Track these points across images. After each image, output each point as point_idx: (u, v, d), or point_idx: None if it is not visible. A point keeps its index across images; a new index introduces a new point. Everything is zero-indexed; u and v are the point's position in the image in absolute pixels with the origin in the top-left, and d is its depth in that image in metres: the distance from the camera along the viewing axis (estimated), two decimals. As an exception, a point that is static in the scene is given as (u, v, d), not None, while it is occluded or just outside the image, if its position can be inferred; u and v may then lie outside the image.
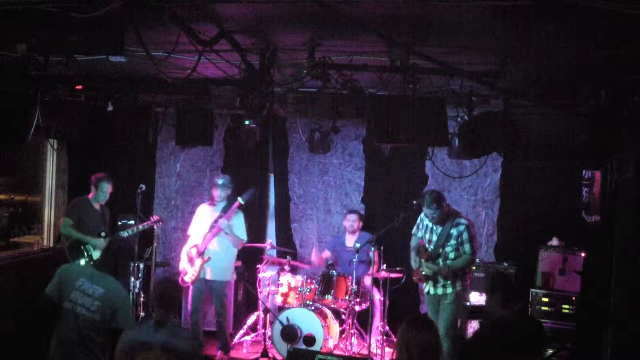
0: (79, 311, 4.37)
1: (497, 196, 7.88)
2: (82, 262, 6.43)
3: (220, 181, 6.81)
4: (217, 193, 6.78)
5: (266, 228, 8.36)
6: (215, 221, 6.71)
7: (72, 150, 8.22)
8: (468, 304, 3.71)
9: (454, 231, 5.92)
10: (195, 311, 6.76)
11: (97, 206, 6.88)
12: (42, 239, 8.09)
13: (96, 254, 6.52)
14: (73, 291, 4.42)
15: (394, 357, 3.39)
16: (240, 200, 6.77)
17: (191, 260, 6.69)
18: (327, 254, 7.58)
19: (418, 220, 6.29)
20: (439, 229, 6.00)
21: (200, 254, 6.66)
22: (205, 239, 6.70)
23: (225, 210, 6.73)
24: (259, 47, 4.99)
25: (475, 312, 3.63)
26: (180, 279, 6.81)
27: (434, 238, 6.03)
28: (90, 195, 6.91)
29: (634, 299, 5.41)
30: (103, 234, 6.57)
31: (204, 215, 6.86)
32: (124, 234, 6.75)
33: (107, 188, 6.88)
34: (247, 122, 6.52)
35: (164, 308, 3.98)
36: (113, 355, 3.98)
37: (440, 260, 5.97)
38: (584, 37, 4.12)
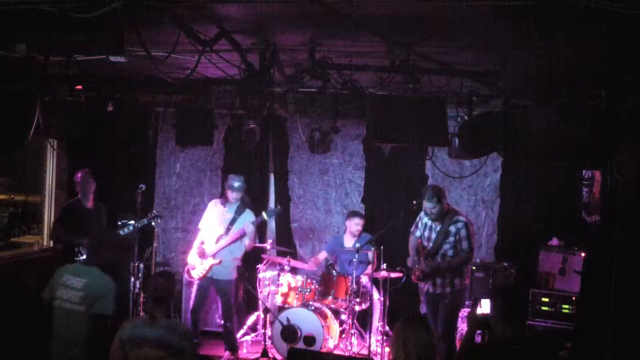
0: (66, 306, 4.45)
1: (497, 196, 7.88)
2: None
3: (236, 184, 6.72)
4: (234, 195, 6.73)
5: (266, 228, 8.35)
6: (232, 223, 6.70)
7: (72, 150, 8.22)
8: (478, 313, 3.69)
9: (452, 228, 5.92)
10: (197, 309, 6.76)
11: (89, 205, 6.79)
12: (42, 239, 8.09)
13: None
14: (59, 288, 4.51)
15: (391, 357, 3.38)
16: (265, 216, 6.84)
17: (202, 256, 6.67)
18: (323, 255, 7.57)
19: (417, 219, 6.29)
20: (438, 227, 6.00)
21: (213, 255, 6.67)
22: (220, 242, 6.68)
23: (239, 213, 6.74)
24: (259, 47, 4.99)
25: (482, 322, 3.61)
26: (186, 272, 6.80)
27: (433, 235, 6.03)
28: (79, 196, 6.88)
29: (633, 299, 5.41)
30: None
31: (216, 214, 6.82)
32: (120, 232, 6.67)
33: (78, 181, 6.76)
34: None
35: (155, 302, 3.98)
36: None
37: (438, 258, 5.97)
38: (584, 37, 4.12)
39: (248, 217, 6.77)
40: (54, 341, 4.48)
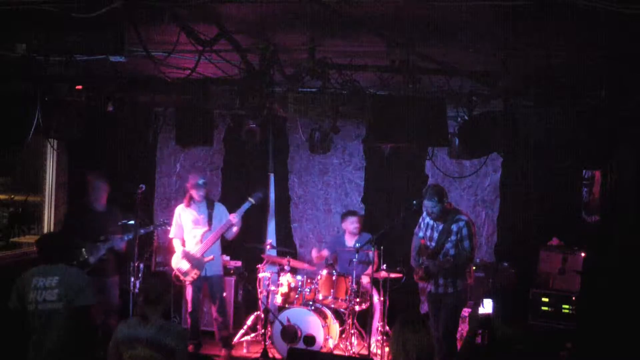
0: (44, 308, 4.46)
1: (497, 196, 7.88)
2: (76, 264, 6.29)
3: (201, 181, 6.82)
4: (200, 194, 6.81)
5: (266, 228, 8.35)
6: (209, 219, 6.78)
7: (72, 150, 8.22)
8: (479, 313, 3.72)
9: (454, 227, 5.90)
10: (195, 309, 6.82)
11: (99, 208, 6.66)
12: (42, 238, 8.08)
13: (92, 259, 6.36)
14: (30, 292, 4.49)
15: (390, 357, 3.39)
16: (251, 200, 6.91)
17: (190, 260, 6.69)
18: (326, 252, 7.57)
19: (420, 219, 6.29)
20: (440, 226, 5.99)
21: (203, 253, 6.71)
22: (207, 239, 6.75)
23: (211, 208, 6.85)
24: (259, 47, 4.99)
25: (484, 322, 3.64)
26: (174, 277, 6.79)
27: (435, 235, 6.02)
28: (91, 198, 6.75)
29: (633, 298, 5.41)
30: (102, 237, 6.47)
31: (188, 218, 6.87)
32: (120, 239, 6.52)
33: (90, 184, 6.65)
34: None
35: (148, 303, 3.97)
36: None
37: (441, 257, 5.97)
38: (584, 37, 4.13)
39: (221, 209, 6.93)
40: (32, 344, 4.49)
